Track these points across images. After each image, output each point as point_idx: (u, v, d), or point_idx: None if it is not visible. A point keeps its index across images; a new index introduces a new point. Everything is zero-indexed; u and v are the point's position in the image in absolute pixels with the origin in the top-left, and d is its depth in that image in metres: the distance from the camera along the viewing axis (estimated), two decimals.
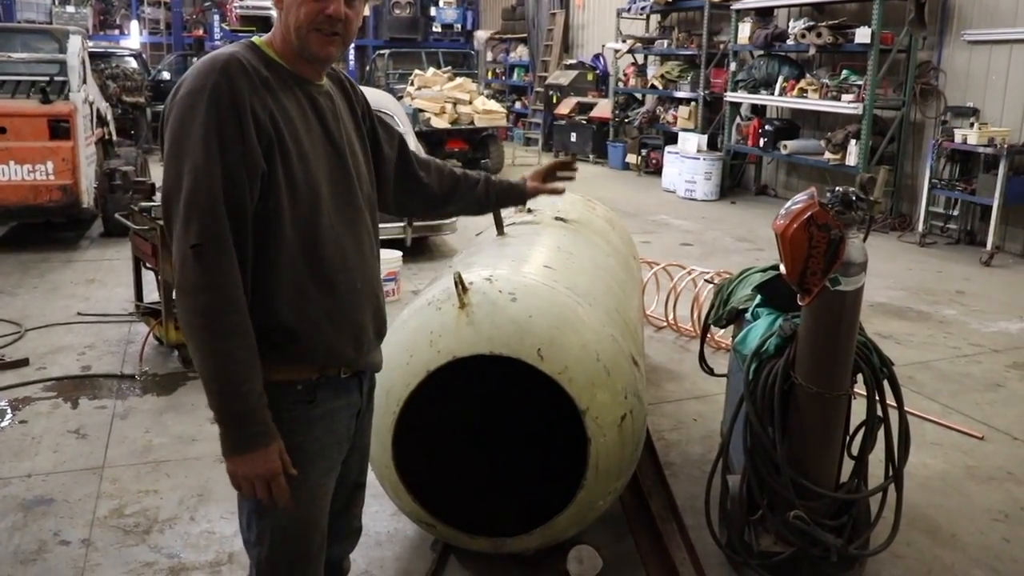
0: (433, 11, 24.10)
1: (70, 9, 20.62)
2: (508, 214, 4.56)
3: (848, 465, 3.14)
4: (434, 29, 24.08)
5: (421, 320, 2.93)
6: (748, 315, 3.47)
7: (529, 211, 4.50)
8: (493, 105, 14.94)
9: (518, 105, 20.51)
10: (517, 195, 2.64)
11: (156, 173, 10.83)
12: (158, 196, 6.08)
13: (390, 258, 7.04)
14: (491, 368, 2.89)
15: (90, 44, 10.99)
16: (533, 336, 2.79)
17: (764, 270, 3.64)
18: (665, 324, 6.25)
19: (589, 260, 3.72)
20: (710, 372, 4.06)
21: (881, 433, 3.05)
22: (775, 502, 3.07)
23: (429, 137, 13.91)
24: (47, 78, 8.07)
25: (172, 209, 1.77)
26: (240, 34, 20.02)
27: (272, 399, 1.86)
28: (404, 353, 2.86)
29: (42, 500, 3.71)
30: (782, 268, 2.90)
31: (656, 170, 14.14)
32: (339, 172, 1.97)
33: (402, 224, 8.18)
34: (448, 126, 14.22)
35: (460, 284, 2.88)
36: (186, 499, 3.75)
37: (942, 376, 5.47)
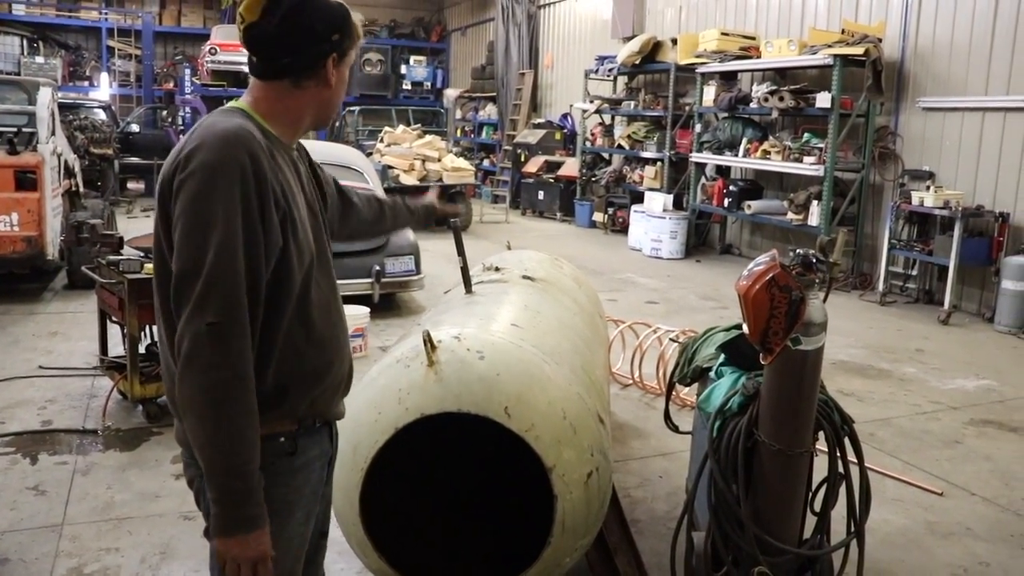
0: (403, 69, 24.38)
1: (39, 60, 20.62)
2: (475, 272, 4.63)
3: (811, 521, 3.19)
4: (404, 87, 24.34)
5: (390, 378, 2.96)
6: (712, 373, 3.53)
7: (497, 269, 4.57)
8: (461, 163, 15.12)
9: (486, 163, 20.74)
10: (427, 209, 2.91)
11: (123, 226, 10.80)
12: (126, 250, 6.08)
13: (357, 314, 7.05)
14: (459, 426, 2.91)
15: (59, 95, 11.02)
16: (501, 394, 2.82)
17: (728, 329, 3.72)
18: (631, 382, 6.31)
19: (555, 318, 3.78)
20: (675, 429, 4.10)
21: (843, 489, 3.10)
22: (739, 558, 3.09)
23: (398, 194, 13.99)
24: (15, 129, 8.07)
25: (188, 283, 1.75)
26: (211, 88, 20.14)
27: (262, 453, 1.88)
28: (372, 410, 2.88)
29: None
30: (745, 328, 2.97)
31: (623, 228, 14.33)
32: (318, 231, 2.03)
33: (370, 280, 8.22)
34: (417, 183, 14.34)
35: (429, 342, 2.92)
36: (148, 557, 3.70)
37: (902, 433, 5.56)
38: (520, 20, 19.45)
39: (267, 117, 1.96)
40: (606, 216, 15.06)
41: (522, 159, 17.69)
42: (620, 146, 14.98)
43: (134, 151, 17.47)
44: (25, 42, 21.26)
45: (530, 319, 3.55)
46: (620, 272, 11.21)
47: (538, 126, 18.21)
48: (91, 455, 4.76)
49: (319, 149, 10.90)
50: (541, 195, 16.91)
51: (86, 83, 22.28)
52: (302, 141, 2.19)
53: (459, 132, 22.68)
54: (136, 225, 12.54)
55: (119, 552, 3.74)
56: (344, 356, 2.08)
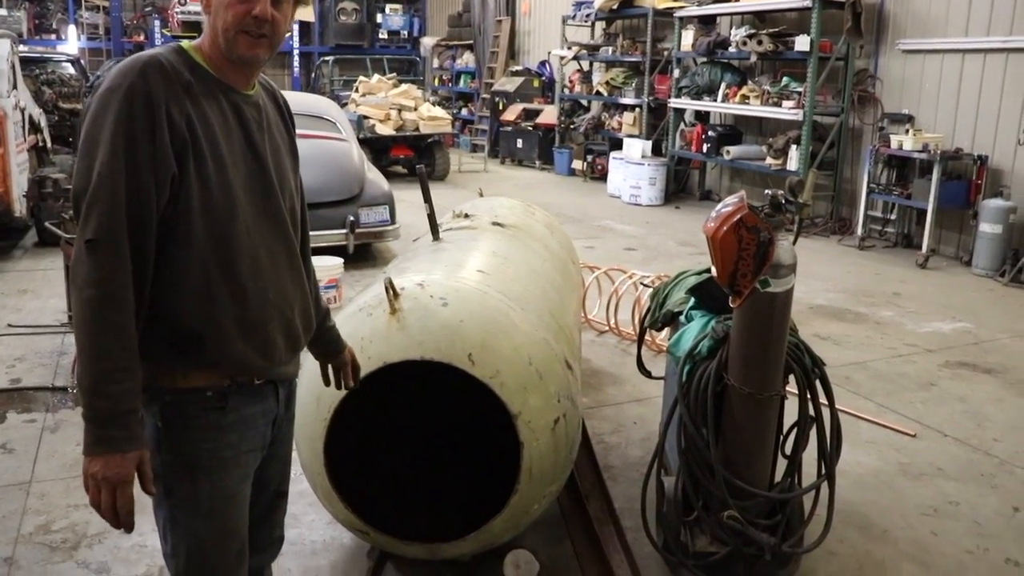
0: (379, 18, 23.97)
1: (2, 12, 20.07)
2: (445, 219, 4.55)
3: (782, 465, 3.18)
4: (380, 36, 23.95)
5: (352, 326, 2.89)
6: (683, 318, 3.50)
7: (467, 216, 4.50)
8: (438, 111, 14.93)
9: (465, 112, 20.50)
10: (336, 344, 2.41)
11: None
12: None
13: (331, 265, 6.97)
14: (423, 373, 2.86)
15: (23, 48, 10.74)
16: (464, 341, 2.77)
17: (699, 273, 3.67)
18: (607, 328, 6.28)
19: (525, 265, 3.72)
20: (648, 375, 4.07)
21: (814, 433, 3.09)
22: (710, 503, 3.08)
23: (374, 144, 13.85)
24: None
25: (77, 203, 1.75)
26: (181, 39, 19.70)
27: (182, 406, 1.85)
28: None
29: None
30: (714, 271, 2.92)
31: (602, 176, 14.22)
32: (259, 181, 1.95)
33: (344, 232, 8.11)
34: (393, 133, 14.19)
35: (391, 289, 2.86)
36: None
37: (878, 376, 5.56)
38: None
39: (198, 49, 1.91)
40: (585, 164, 14.94)
41: (500, 107, 17.50)
42: (598, 93, 14.81)
43: None
44: None
45: (498, 265, 3.49)
46: (599, 219, 11.14)
47: (516, 74, 17.98)
48: (60, 413, 4.70)
49: (291, 99, 10.71)
50: (520, 143, 16.74)
51: (53, 36, 21.75)
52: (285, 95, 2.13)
53: (437, 81, 22.38)
54: None
55: (87, 508, 3.68)
56: (274, 316, 1.97)
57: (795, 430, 3.12)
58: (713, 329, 3.11)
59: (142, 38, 21.51)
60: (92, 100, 1.78)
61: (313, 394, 2.82)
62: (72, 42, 21.29)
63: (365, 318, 2.91)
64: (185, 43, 1.93)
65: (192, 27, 19.59)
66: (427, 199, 3.94)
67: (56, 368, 5.34)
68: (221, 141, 1.86)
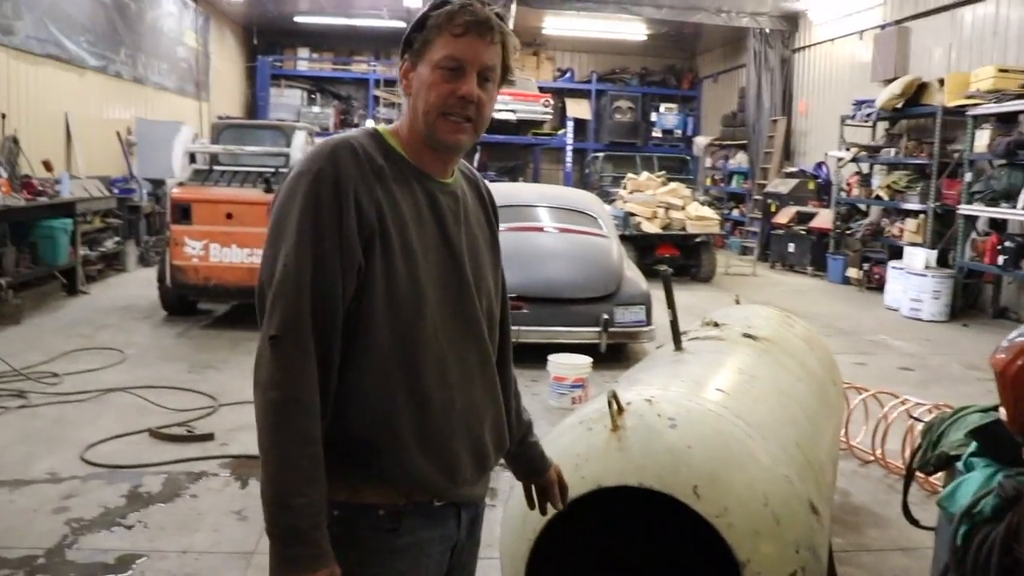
0: (654, 116, 24.24)
1: (315, 109, 22.43)
2: (694, 328, 4.26)
3: None
4: (654, 134, 24.18)
5: (569, 441, 2.67)
6: (960, 464, 2.94)
7: (716, 325, 4.17)
8: (706, 211, 14.63)
9: (735, 212, 20.05)
10: (539, 463, 2.16)
11: None
12: None
13: (579, 363, 6.82)
14: (642, 499, 2.57)
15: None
16: (690, 470, 2.45)
17: (984, 410, 3.10)
18: (872, 458, 5.60)
19: (773, 384, 3.33)
20: (915, 524, 3.49)
21: None
22: None
23: (639, 242, 13.80)
24: (272, 169, 8.65)
25: (262, 295, 1.67)
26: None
27: (350, 523, 1.68)
28: None
29: None
30: (1002, 412, 2.42)
31: (878, 286, 13.19)
32: (452, 278, 1.79)
33: (597, 330, 7.96)
34: (659, 231, 14.05)
35: (615, 404, 2.62)
36: None
37: None
38: (773, 65, 18.70)
39: (395, 134, 1.82)
40: (861, 272, 13.95)
41: (772, 209, 16.89)
42: (878, 197, 13.87)
43: None
44: (305, 94, 23.22)
45: (740, 384, 3.15)
46: (872, 333, 10.24)
47: (790, 175, 17.35)
48: None
49: (552, 192, 10.89)
50: (791, 247, 16.01)
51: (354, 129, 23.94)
52: (489, 184, 2.03)
53: (709, 181, 22.12)
54: None
55: None
56: (460, 429, 1.78)
57: None
58: (1000, 485, 2.56)
59: None
60: (283, 185, 1.71)
61: (519, 510, 2.61)
62: None
63: (584, 433, 2.68)
64: (381, 127, 1.85)
65: None
66: (670, 304, 3.69)
67: None
68: (412, 232, 1.73)
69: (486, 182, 2.05)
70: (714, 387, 2.99)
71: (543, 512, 2.21)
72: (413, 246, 1.72)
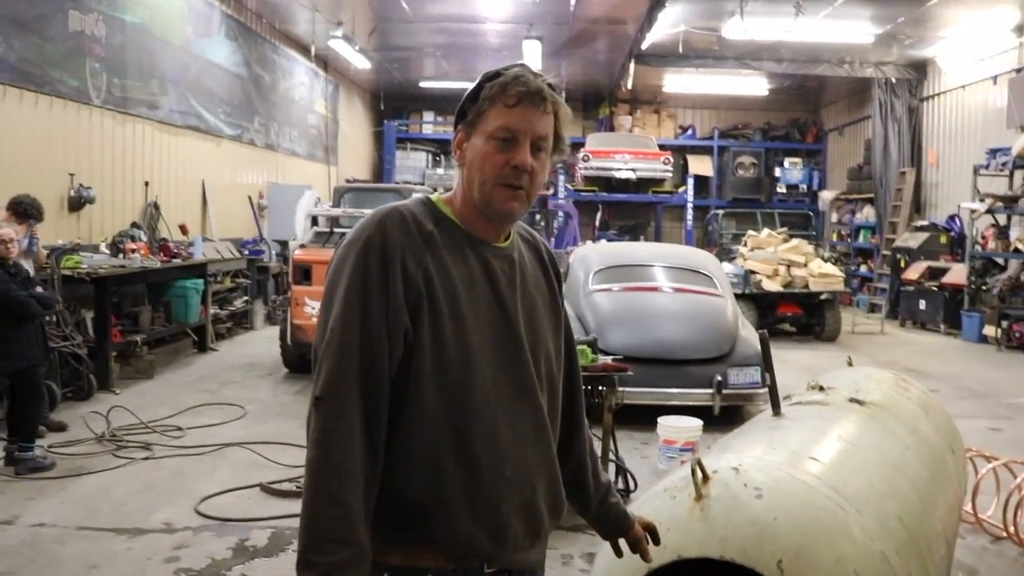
0: (778, 171, 23.79)
1: (440, 171, 23.05)
2: (799, 391, 4.11)
3: None
4: (778, 189, 23.69)
5: (652, 509, 2.60)
6: None
7: (821, 389, 4.02)
8: (830, 268, 14.18)
9: (863, 269, 19.34)
10: (622, 523, 2.16)
11: None
12: None
13: (689, 426, 6.66)
14: (725, 571, 2.47)
15: None
16: (775, 543, 2.34)
17: None
18: (1004, 534, 5.22)
19: (876, 454, 3.17)
20: None
21: None
22: None
23: (760, 300, 13.50)
24: None
25: (315, 358, 1.73)
26: (582, 193, 21.07)
27: None
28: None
29: None
30: None
31: (1019, 345, 12.43)
32: (506, 342, 1.80)
33: (710, 391, 7.77)
34: (781, 289, 13.68)
35: (700, 472, 2.54)
36: None
37: None
38: (900, 115, 18.09)
39: (448, 202, 1.86)
40: (999, 330, 13.17)
41: (902, 264, 16.22)
42: (1017, 250, 13.14)
43: None
44: (430, 156, 23.94)
45: (839, 452, 3.01)
46: (1011, 397, 9.61)
47: (920, 228, 16.65)
48: None
49: (666, 251, 10.79)
50: (922, 304, 15.28)
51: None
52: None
53: (835, 236, 21.48)
54: None
55: None
56: (511, 496, 1.77)
57: None
58: None
59: (549, 191, 23.35)
60: (336, 252, 1.77)
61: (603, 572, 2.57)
62: None
63: (668, 501, 2.60)
64: (434, 196, 1.89)
65: (594, 182, 20.91)
66: (768, 368, 3.58)
67: None
68: (462, 297, 1.75)
69: (547, 244, 2.06)
70: (808, 455, 2.86)
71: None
72: (463, 310, 1.74)
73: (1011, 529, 5.16)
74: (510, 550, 1.79)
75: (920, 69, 17.78)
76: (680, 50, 16.48)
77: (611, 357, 6.22)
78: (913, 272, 15.67)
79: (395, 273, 1.69)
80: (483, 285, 1.80)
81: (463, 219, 1.83)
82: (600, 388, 5.54)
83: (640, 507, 2.71)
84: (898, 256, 16.49)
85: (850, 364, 5.07)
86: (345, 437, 1.63)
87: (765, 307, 13.57)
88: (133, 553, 4.60)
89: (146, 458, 6.32)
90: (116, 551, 4.63)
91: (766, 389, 8.02)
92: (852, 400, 3.78)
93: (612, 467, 5.74)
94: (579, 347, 5.54)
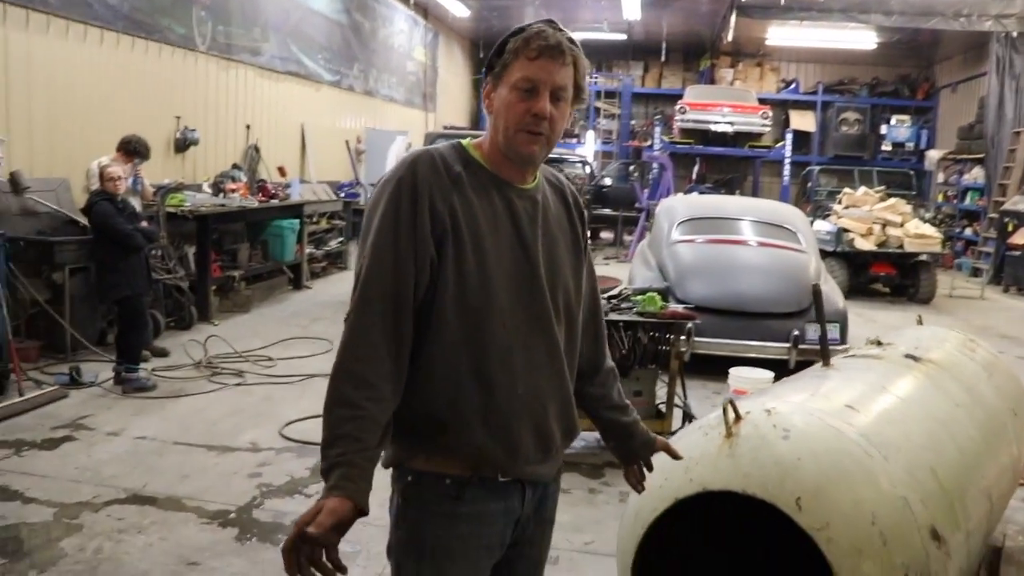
0: (884, 129, 22.96)
1: None
2: (858, 346, 4.15)
3: None
4: (883, 147, 22.90)
5: (687, 444, 2.73)
6: None
7: (879, 344, 4.06)
8: (927, 229, 13.72)
9: (968, 232, 18.63)
10: (641, 437, 2.30)
11: None
12: None
13: (760, 378, 6.66)
14: (749, 506, 2.60)
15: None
16: (795, 482, 2.46)
17: None
18: None
19: (920, 407, 3.22)
20: None
21: None
22: None
23: (852, 259, 13.22)
24: None
25: (354, 286, 1.90)
26: (678, 145, 20.82)
27: (420, 487, 1.92)
28: (660, 475, 2.65)
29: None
30: None
31: None
32: (525, 276, 1.95)
33: (787, 345, 7.77)
34: (874, 248, 13.35)
35: (732, 411, 2.68)
36: None
37: None
38: (1019, 71, 17.19)
39: (478, 146, 2.02)
40: None
41: (1009, 228, 15.57)
42: None
43: (606, 203, 18.34)
44: None
45: (879, 403, 3.09)
46: None
47: None
48: None
49: (752, 205, 10.67)
50: None
51: (574, 140, 24.32)
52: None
53: (940, 197, 20.69)
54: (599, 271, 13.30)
55: None
56: (522, 413, 1.93)
57: None
58: None
59: (646, 143, 23.14)
60: (374, 191, 1.96)
61: (633, 507, 2.74)
62: (589, 145, 23.60)
63: (700, 437, 2.75)
64: (466, 141, 2.04)
65: (690, 134, 20.65)
66: (820, 319, 3.65)
67: None
68: (485, 232, 1.91)
69: (573, 188, 2.21)
70: (843, 402, 2.95)
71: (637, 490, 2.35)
72: (485, 245, 1.91)
73: None
74: (522, 463, 1.96)
75: None
76: (782, 2, 16.03)
77: (683, 306, 6.28)
78: (1020, 237, 15.04)
79: (423, 209, 1.87)
80: (506, 222, 1.95)
81: (490, 162, 1.99)
82: (668, 336, 5.62)
83: (675, 442, 2.84)
84: (1006, 220, 15.83)
85: (919, 323, 5.05)
86: (366, 351, 1.82)
87: (857, 266, 13.28)
88: (221, 467, 4.99)
89: (238, 384, 6.76)
90: (206, 465, 5.03)
91: (845, 346, 8.08)
92: (908, 356, 3.81)
93: (679, 413, 5.85)
94: (648, 294, 5.72)
